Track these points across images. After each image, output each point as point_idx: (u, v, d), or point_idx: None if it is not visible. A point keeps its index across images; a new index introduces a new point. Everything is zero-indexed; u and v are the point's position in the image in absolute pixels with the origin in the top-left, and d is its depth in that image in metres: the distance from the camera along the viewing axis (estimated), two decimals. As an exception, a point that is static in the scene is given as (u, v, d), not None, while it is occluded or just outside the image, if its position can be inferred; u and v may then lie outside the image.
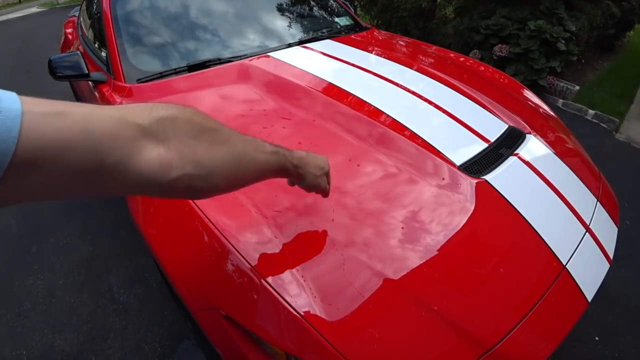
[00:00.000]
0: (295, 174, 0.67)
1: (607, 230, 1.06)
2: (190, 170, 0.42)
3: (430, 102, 1.25)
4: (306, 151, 0.71)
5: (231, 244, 0.78)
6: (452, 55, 1.84)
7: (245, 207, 0.86)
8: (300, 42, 1.67)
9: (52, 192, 0.34)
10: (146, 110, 0.40)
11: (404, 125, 1.12)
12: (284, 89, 1.29)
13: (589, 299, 0.88)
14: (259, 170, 0.56)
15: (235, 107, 1.24)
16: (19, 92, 0.32)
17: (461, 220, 0.88)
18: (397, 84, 1.34)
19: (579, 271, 0.88)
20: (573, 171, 1.14)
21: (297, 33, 1.78)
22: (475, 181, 0.96)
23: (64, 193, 0.36)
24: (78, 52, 1.46)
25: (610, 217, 1.10)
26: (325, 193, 0.79)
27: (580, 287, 0.87)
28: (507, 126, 1.21)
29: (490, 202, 0.94)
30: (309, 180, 0.70)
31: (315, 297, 0.71)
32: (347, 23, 2.00)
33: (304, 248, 0.79)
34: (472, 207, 0.91)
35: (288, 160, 0.62)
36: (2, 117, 0.29)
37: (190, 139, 0.42)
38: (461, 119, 1.19)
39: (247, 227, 0.82)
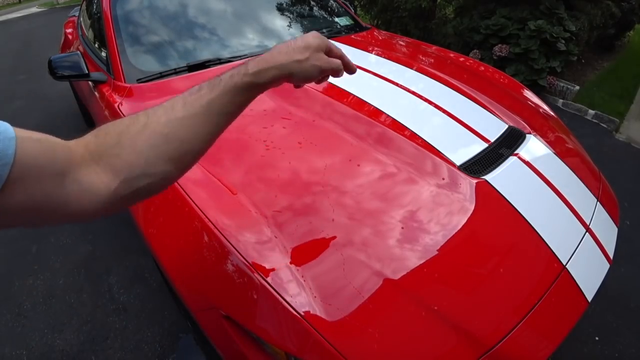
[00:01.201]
0: (270, 79, 0.52)
1: (607, 230, 1.06)
2: (125, 175, 0.43)
3: (430, 102, 1.25)
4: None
5: (231, 244, 0.78)
6: (452, 55, 1.84)
7: (245, 207, 0.86)
8: (300, 42, 1.66)
9: (27, 215, 0.37)
10: (80, 141, 0.44)
11: (404, 125, 1.12)
12: (283, 88, 1.29)
13: (589, 299, 0.88)
14: (208, 120, 0.47)
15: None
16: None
17: (461, 220, 0.88)
18: (397, 84, 1.34)
19: (579, 271, 0.88)
20: (573, 171, 1.14)
21: (297, 33, 1.78)
22: (475, 181, 0.96)
23: (36, 217, 0.39)
24: (78, 52, 1.46)
25: (610, 217, 1.10)
26: (335, 72, 0.60)
27: (580, 287, 0.87)
28: (507, 126, 1.21)
29: (490, 202, 0.94)
30: (298, 72, 0.54)
31: (315, 297, 0.71)
32: (347, 23, 2.00)
33: (304, 248, 0.79)
34: (472, 207, 0.90)
35: (239, 76, 0.50)
36: (2, 137, 0.33)
37: (113, 148, 0.43)
38: (461, 119, 1.19)
39: (247, 227, 0.82)
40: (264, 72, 0.51)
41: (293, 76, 0.55)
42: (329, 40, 0.59)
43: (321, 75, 0.58)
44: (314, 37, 0.57)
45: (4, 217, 0.35)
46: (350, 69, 0.62)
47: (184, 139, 0.46)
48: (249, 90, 0.51)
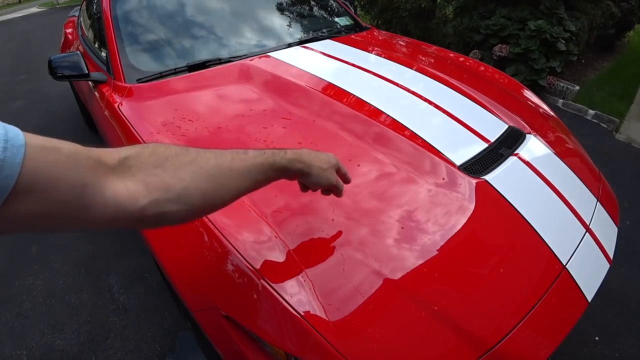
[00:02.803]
0: (295, 171, 0.63)
1: (607, 230, 1.06)
2: (158, 196, 0.44)
3: (430, 102, 1.25)
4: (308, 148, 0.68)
5: (231, 244, 0.78)
6: (452, 55, 1.84)
7: (245, 207, 0.86)
8: (300, 42, 1.67)
9: (41, 222, 0.37)
10: (114, 152, 0.44)
11: (404, 125, 1.12)
12: (283, 88, 1.29)
13: (589, 299, 0.88)
14: (244, 179, 0.54)
15: (235, 107, 1.24)
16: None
17: (461, 220, 0.88)
18: (397, 84, 1.34)
19: (579, 271, 0.88)
20: (573, 171, 1.14)
21: (297, 33, 1.78)
22: (475, 181, 0.96)
23: (51, 224, 0.38)
24: (78, 52, 1.46)
25: (610, 217, 1.10)
26: (338, 190, 0.74)
27: (580, 287, 0.87)
28: (507, 126, 1.21)
29: (490, 202, 0.94)
30: (315, 175, 0.66)
31: (315, 296, 0.71)
32: (347, 23, 2.00)
33: (303, 248, 0.79)
34: (472, 207, 0.91)
35: (279, 157, 0.60)
36: (9, 145, 0.32)
37: (155, 169, 0.45)
38: (461, 119, 1.19)
39: (247, 226, 0.82)
40: (295, 162, 0.62)
41: (310, 177, 0.66)
42: (340, 163, 0.73)
43: (328, 187, 0.71)
44: (333, 157, 0.71)
45: (12, 225, 0.35)
46: (339, 194, 0.76)
47: (223, 186, 0.51)
48: (280, 171, 0.60)
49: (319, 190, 0.74)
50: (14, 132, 0.34)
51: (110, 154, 0.43)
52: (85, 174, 0.39)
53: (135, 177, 0.43)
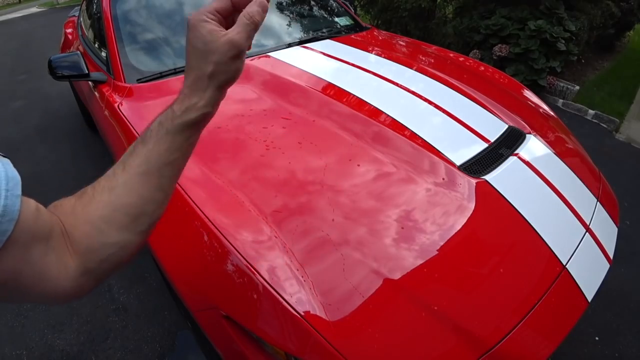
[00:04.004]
0: (201, 117, 0.44)
1: (607, 230, 1.06)
2: (85, 246, 0.40)
3: (430, 102, 1.25)
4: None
5: (231, 244, 0.78)
6: (452, 55, 1.84)
7: (244, 206, 0.86)
8: (301, 42, 1.67)
9: (9, 285, 0.35)
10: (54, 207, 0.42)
11: (404, 125, 1.12)
12: (283, 88, 1.29)
13: (589, 299, 0.88)
14: (150, 169, 0.43)
15: (235, 107, 1.24)
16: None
17: (461, 220, 0.88)
18: (397, 84, 1.34)
19: (579, 271, 0.88)
20: (573, 171, 1.14)
21: (297, 33, 1.78)
22: (475, 181, 0.96)
23: (15, 289, 0.36)
24: (78, 52, 1.46)
25: (610, 217, 1.10)
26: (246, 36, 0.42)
27: (580, 287, 0.87)
28: (507, 126, 1.21)
29: (490, 202, 0.94)
30: (223, 77, 0.43)
31: (315, 297, 0.71)
32: (347, 23, 2.00)
33: (303, 247, 0.79)
34: (472, 207, 0.90)
35: (169, 120, 0.44)
36: (9, 195, 0.32)
37: (68, 217, 0.41)
38: (461, 119, 1.19)
39: (247, 226, 0.82)
40: (191, 111, 0.44)
41: (227, 82, 0.45)
42: (204, 16, 0.42)
43: (241, 59, 0.44)
44: (213, 36, 0.41)
45: None
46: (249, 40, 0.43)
47: (131, 203, 0.42)
48: (184, 131, 0.44)
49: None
50: (15, 180, 0.33)
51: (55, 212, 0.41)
52: (48, 232, 0.38)
53: (66, 233, 0.40)
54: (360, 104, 1.21)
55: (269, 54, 1.53)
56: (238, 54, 0.42)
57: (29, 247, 0.35)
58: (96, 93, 1.51)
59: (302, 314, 0.68)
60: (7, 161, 0.35)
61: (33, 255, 0.36)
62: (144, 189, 0.43)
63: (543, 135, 1.23)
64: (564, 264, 0.88)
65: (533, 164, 1.07)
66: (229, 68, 0.43)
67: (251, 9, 0.42)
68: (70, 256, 0.39)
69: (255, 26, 0.43)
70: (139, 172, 0.42)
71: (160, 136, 0.43)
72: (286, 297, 0.70)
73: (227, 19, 0.44)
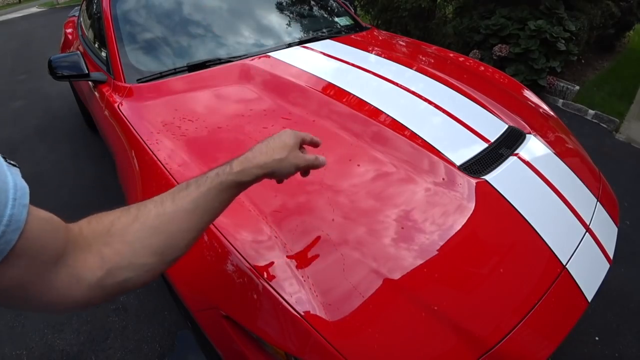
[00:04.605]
0: (253, 179, 0.56)
1: (607, 230, 1.06)
2: (112, 265, 0.42)
3: (430, 102, 1.25)
4: (260, 141, 0.60)
5: (230, 244, 0.78)
6: (452, 55, 1.84)
7: (244, 206, 0.86)
8: (300, 42, 1.67)
9: (13, 293, 0.36)
10: (78, 224, 0.44)
11: (404, 125, 1.12)
12: (283, 88, 1.29)
13: (589, 299, 0.88)
14: (195, 215, 0.49)
15: (235, 107, 1.24)
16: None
17: (461, 220, 0.88)
18: (397, 84, 1.34)
19: (579, 271, 0.88)
20: (573, 171, 1.14)
21: (297, 33, 1.78)
22: (475, 181, 0.96)
23: (18, 297, 0.37)
24: (78, 52, 1.46)
25: (610, 217, 1.10)
26: (314, 165, 0.63)
27: (580, 287, 0.87)
28: (507, 126, 1.21)
29: (490, 202, 0.94)
30: (279, 170, 0.58)
31: (315, 296, 0.71)
32: (347, 23, 2.00)
33: (303, 247, 0.79)
34: (472, 207, 0.90)
35: (224, 174, 0.53)
36: (16, 203, 0.32)
37: (104, 237, 0.43)
38: (461, 119, 1.19)
39: (247, 226, 0.82)
40: (247, 170, 0.54)
41: (274, 174, 0.58)
42: (299, 133, 0.62)
43: (301, 170, 0.63)
44: (289, 137, 0.60)
45: None
46: (320, 165, 0.65)
47: (171, 233, 0.47)
48: (233, 188, 0.54)
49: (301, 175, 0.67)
50: (23, 190, 0.34)
51: (73, 227, 0.43)
52: (60, 247, 0.38)
53: (90, 248, 0.42)
54: (360, 104, 1.21)
55: (269, 54, 1.53)
56: (298, 170, 0.62)
57: (36, 258, 0.35)
58: (96, 93, 1.51)
59: (302, 313, 0.68)
60: (16, 170, 0.35)
61: (41, 266, 0.36)
62: (185, 224, 0.48)
63: (543, 135, 1.23)
64: (564, 264, 0.88)
65: (533, 164, 1.07)
66: (286, 166, 0.59)
67: (321, 158, 0.64)
68: (89, 270, 0.40)
69: (313, 167, 0.63)
70: (186, 208, 0.48)
71: (214, 184, 0.51)
72: (286, 297, 0.70)
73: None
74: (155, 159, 1.00)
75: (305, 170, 0.65)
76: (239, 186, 0.55)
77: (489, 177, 0.98)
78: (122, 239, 0.44)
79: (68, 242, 0.39)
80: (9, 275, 0.33)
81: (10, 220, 0.31)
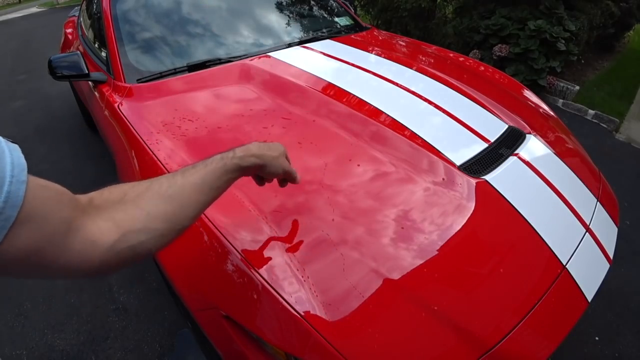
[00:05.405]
0: (250, 165, 0.64)
1: (607, 230, 1.06)
2: (126, 229, 0.45)
3: (430, 102, 1.25)
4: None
5: (230, 244, 0.78)
6: (452, 55, 1.84)
7: (244, 206, 0.86)
8: (300, 42, 1.67)
9: (29, 261, 0.37)
10: (87, 195, 0.47)
11: (404, 125, 1.12)
12: (283, 88, 1.29)
13: (589, 299, 0.88)
14: (201, 190, 0.55)
15: (235, 107, 1.24)
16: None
17: (461, 220, 0.88)
18: (397, 84, 1.34)
19: (579, 271, 0.88)
20: (573, 171, 1.14)
21: (297, 33, 1.78)
22: (475, 181, 0.96)
23: (33, 265, 0.38)
24: (78, 52, 1.46)
25: (610, 217, 1.10)
26: (292, 176, 0.75)
27: (580, 287, 0.87)
28: (507, 126, 1.21)
29: (490, 202, 0.94)
30: (269, 165, 0.67)
31: (315, 296, 0.71)
32: (347, 23, 2.00)
33: (303, 247, 0.79)
34: (472, 207, 0.90)
35: (228, 158, 0.61)
36: (14, 180, 0.34)
37: (117, 204, 0.47)
38: (461, 118, 1.19)
39: (247, 226, 0.82)
40: (247, 158, 0.63)
41: (265, 168, 0.67)
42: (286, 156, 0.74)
43: (283, 175, 0.73)
44: (281, 146, 0.72)
45: (4, 262, 0.35)
46: (296, 181, 0.77)
47: (182, 202, 0.53)
48: (234, 171, 0.62)
49: (276, 181, 0.76)
50: (20, 167, 0.35)
51: (81, 196, 0.45)
52: (68, 212, 0.40)
53: (103, 215, 0.45)
54: (360, 104, 1.21)
55: (268, 53, 1.53)
56: (284, 172, 0.73)
57: (47, 227, 0.37)
58: (96, 93, 1.51)
59: (302, 313, 0.68)
60: (15, 147, 0.36)
61: (52, 233, 0.38)
62: (194, 196, 0.54)
63: (543, 135, 1.23)
64: (564, 264, 0.88)
65: (533, 164, 1.07)
66: (276, 164, 0.70)
67: (295, 175, 0.76)
68: (102, 235, 0.43)
69: (292, 178, 0.75)
70: (195, 182, 0.55)
71: (219, 165, 0.59)
72: (286, 297, 0.70)
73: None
74: (155, 159, 1.00)
75: (284, 179, 0.76)
76: (239, 170, 0.62)
77: (489, 177, 0.98)
78: (136, 205, 0.48)
79: (77, 209, 0.42)
80: (17, 245, 0.34)
81: (7, 197, 0.33)
